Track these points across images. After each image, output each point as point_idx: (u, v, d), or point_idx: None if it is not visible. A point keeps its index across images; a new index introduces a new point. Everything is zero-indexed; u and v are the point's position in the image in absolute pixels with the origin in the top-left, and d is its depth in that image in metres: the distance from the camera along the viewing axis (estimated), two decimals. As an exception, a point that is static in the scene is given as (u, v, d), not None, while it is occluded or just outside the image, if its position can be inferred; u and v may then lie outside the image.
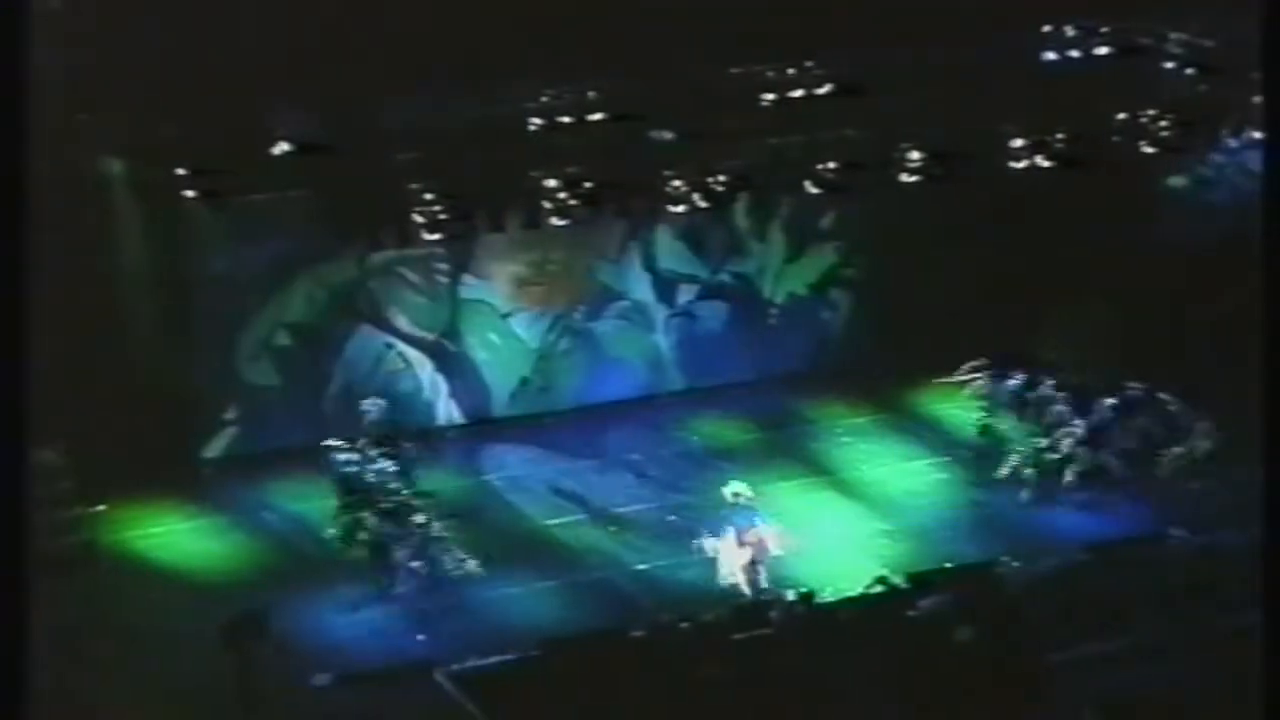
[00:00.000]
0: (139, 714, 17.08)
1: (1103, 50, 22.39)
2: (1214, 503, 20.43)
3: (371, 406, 21.15)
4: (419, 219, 20.72)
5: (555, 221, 21.39)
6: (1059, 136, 22.23)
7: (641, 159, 21.16)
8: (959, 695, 16.57)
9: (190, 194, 19.95)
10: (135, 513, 20.71)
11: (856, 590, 18.80)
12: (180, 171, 19.74)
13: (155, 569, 20.08)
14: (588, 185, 21.05)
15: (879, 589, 18.82)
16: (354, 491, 19.75)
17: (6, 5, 8.53)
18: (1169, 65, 22.30)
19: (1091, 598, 18.64)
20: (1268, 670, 10.51)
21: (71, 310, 18.85)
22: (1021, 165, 22.36)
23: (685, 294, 24.89)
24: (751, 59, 21.27)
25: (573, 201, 21.15)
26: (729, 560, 19.12)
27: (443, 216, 20.81)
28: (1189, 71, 22.34)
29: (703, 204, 22.26)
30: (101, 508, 20.38)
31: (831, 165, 21.81)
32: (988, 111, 21.75)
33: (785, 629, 17.95)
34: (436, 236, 21.44)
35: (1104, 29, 22.38)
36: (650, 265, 24.60)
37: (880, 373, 24.40)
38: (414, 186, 20.55)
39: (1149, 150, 22.69)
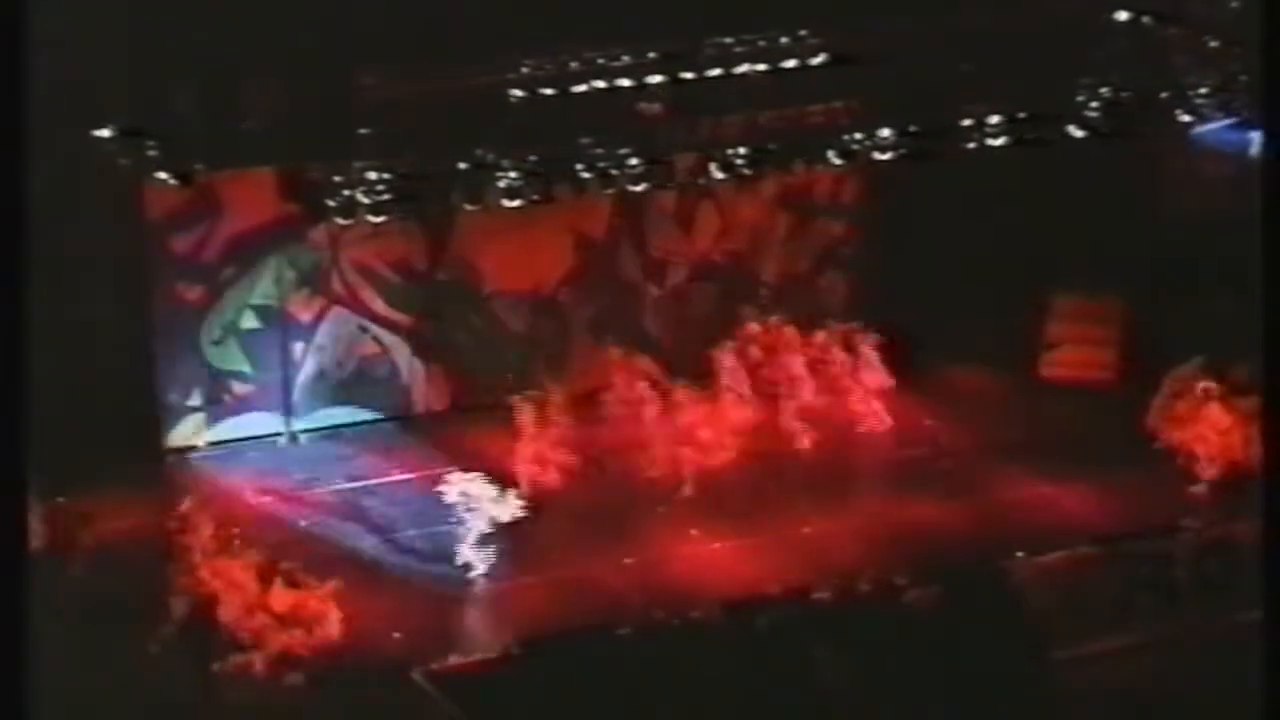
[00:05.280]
0: (103, 713, 17.32)
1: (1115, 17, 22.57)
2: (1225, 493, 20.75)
3: None
4: (395, 195, 20.89)
5: (538, 199, 21.56)
6: (1068, 108, 22.41)
7: (628, 133, 21.33)
8: (958, 693, 16.86)
9: (152, 169, 20.12)
10: (95, 505, 20.86)
11: (853, 584, 19.10)
12: (144, 146, 19.90)
13: (116, 564, 20.27)
14: (572, 160, 21.20)
15: (877, 583, 19.12)
16: None
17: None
18: (1178, 33, 22.50)
19: (1098, 592, 18.97)
20: (1268, 669, 10.83)
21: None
22: (1029, 139, 22.53)
23: (675, 274, 25.18)
24: (743, 28, 21.47)
25: (556, 177, 21.31)
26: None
27: (420, 193, 20.95)
28: (1208, 40, 22.54)
29: (694, 179, 22.54)
30: (60, 500, 20.55)
31: (826, 140, 21.97)
32: (987, 84, 21.96)
33: (777, 625, 18.24)
34: (413, 213, 21.67)
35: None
36: (639, 244, 24.87)
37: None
38: (390, 161, 20.73)
39: (1166, 122, 22.97)
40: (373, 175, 20.25)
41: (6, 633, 8.88)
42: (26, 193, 9.11)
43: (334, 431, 23.38)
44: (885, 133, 21.91)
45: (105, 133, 19.58)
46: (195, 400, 22.98)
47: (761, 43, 21.62)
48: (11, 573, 8.92)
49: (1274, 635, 10.87)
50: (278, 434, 23.28)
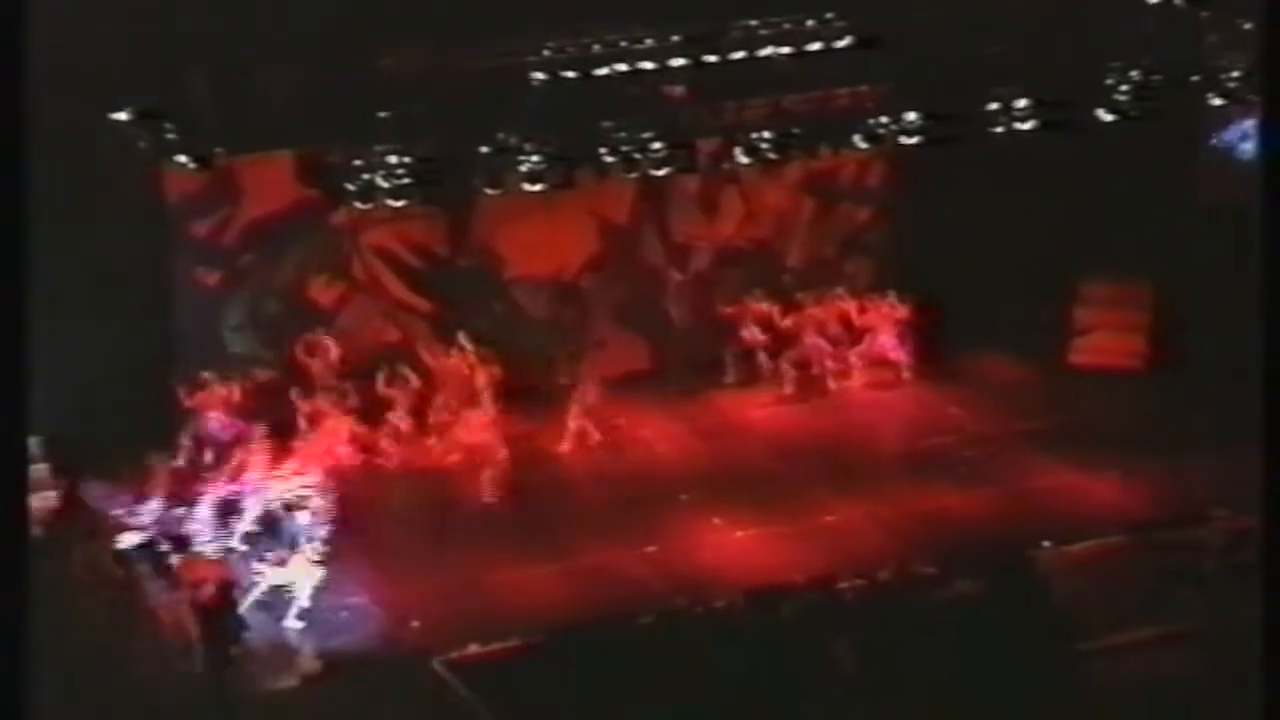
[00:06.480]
0: (123, 697, 17.35)
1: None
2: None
3: None
4: (415, 179, 20.83)
5: (560, 183, 21.48)
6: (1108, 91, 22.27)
7: (652, 117, 21.26)
8: (984, 684, 16.80)
9: (170, 152, 20.10)
10: (114, 492, 20.88)
11: (877, 574, 19.03)
12: (162, 129, 19.88)
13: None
14: (594, 144, 21.13)
15: (901, 572, 19.06)
16: None
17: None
18: (1209, 14, 22.35)
19: (1128, 582, 18.89)
20: (1267, 667, 10.76)
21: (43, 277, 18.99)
22: (1057, 123, 22.42)
23: (699, 260, 25.09)
24: (768, 10, 21.40)
25: (579, 161, 21.25)
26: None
27: (440, 176, 20.91)
28: (1240, 22, 22.38)
29: (718, 164, 22.48)
30: (76, 486, 20.56)
31: (852, 124, 21.89)
32: (1014, 67, 21.85)
33: (801, 614, 18.20)
34: (434, 198, 21.62)
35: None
36: (662, 229, 24.79)
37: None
38: (410, 145, 20.66)
39: (1198, 105, 22.82)
40: (393, 159, 20.23)
41: (7, 626, 8.87)
42: (26, 180, 9.08)
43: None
44: (911, 116, 21.83)
45: (123, 115, 19.57)
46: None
47: (786, 25, 21.55)
48: (12, 567, 8.90)
49: (1274, 635, 10.81)
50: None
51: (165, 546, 19.22)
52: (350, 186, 20.46)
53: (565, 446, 22.59)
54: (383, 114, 20.09)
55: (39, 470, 19.92)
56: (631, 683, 17.03)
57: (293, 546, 19.06)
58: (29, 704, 9.13)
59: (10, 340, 8.91)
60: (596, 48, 20.88)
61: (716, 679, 17.15)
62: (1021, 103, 21.92)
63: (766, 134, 21.72)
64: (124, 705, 17.13)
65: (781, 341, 24.18)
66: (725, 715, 16.95)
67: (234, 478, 20.27)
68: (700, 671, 17.22)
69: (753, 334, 24.15)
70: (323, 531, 19.41)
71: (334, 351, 22.51)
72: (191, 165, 20.09)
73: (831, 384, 24.22)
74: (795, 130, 21.80)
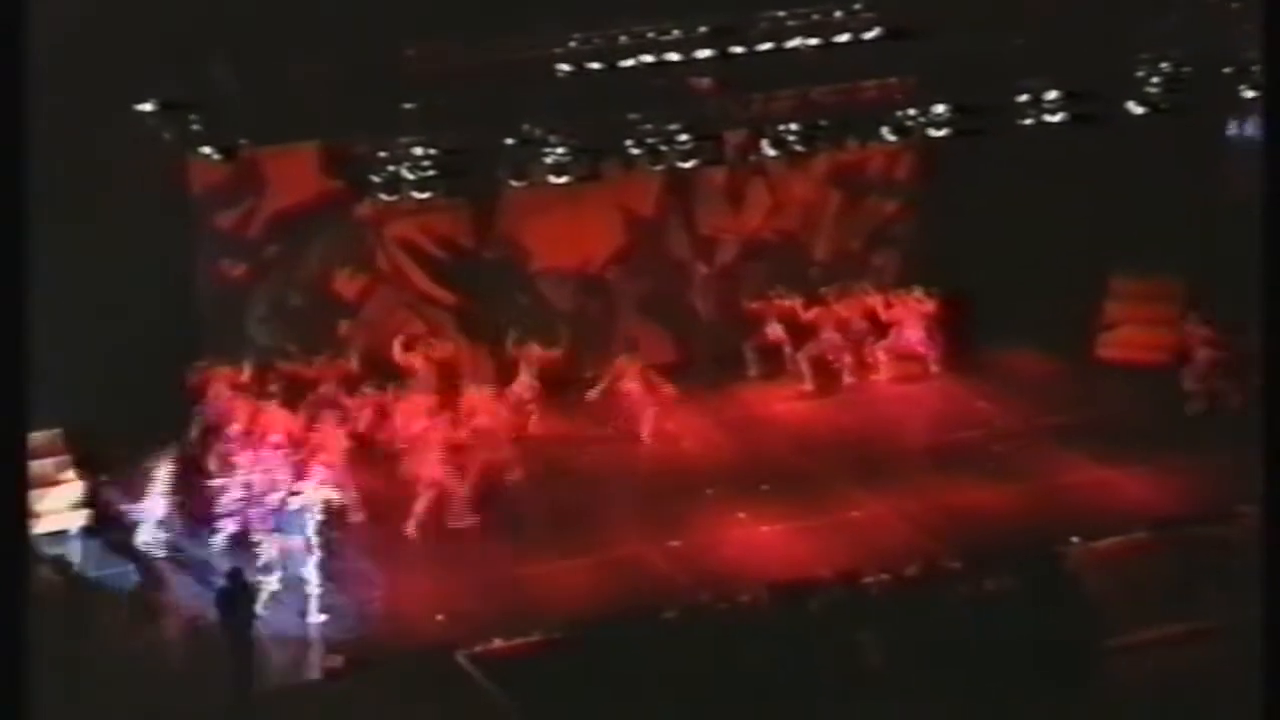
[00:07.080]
0: (144, 688, 17.39)
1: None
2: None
3: None
4: (440, 171, 20.80)
5: (586, 175, 21.43)
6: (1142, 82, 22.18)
7: (678, 108, 21.22)
8: (1009, 681, 16.75)
9: (197, 144, 20.09)
10: (137, 484, 20.91)
11: (904, 569, 18.97)
12: (187, 120, 19.88)
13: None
14: (620, 136, 21.10)
15: (928, 567, 19.00)
16: None
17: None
18: (1240, 5, 22.22)
19: (1155, 578, 18.82)
20: (1267, 666, 10.72)
21: (67, 269, 19.07)
22: (1086, 115, 22.33)
23: (725, 252, 25.04)
24: (796, 1, 21.33)
25: (605, 153, 21.22)
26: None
27: (466, 169, 20.89)
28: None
29: (744, 156, 22.42)
30: (104, 479, 20.63)
31: (880, 116, 21.82)
32: (1044, 59, 21.77)
33: (826, 609, 18.15)
34: (459, 190, 21.60)
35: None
36: (688, 222, 24.74)
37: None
38: (435, 137, 20.64)
39: (1228, 97, 22.72)
40: (418, 151, 20.22)
41: (7, 626, 8.88)
42: (39, 176, 9.08)
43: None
44: (940, 109, 21.75)
45: (147, 106, 19.58)
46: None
47: (814, 16, 21.45)
48: (12, 567, 8.91)
49: (1275, 635, 10.77)
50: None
51: (185, 542, 19.26)
52: (375, 178, 20.46)
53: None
54: (408, 106, 20.08)
55: (60, 463, 20.03)
56: (655, 677, 16.98)
57: (313, 540, 19.07)
58: (29, 704, 9.13)
59: (11, 337, 8.88)
60: (622, 39, 20.81)
61: (741, 674, 17.11)
62: (1050, 95, 21.82)
63: (793, 126, 21.69)
64: (124, 705, 17.16)
65: (804, 336, 24.10)
66: (750, 711, 16.90)
67: (252, 471, 20.26)
68: (725, 667, 17.18)
69: (776, 331, 24.08)
70: (342, 526, 19.45)
71: (354, 362, 22.37)
72: (216, 156, 20.09)
73: (852, 378, 24.14)
74: (822, 122, 21.77)
